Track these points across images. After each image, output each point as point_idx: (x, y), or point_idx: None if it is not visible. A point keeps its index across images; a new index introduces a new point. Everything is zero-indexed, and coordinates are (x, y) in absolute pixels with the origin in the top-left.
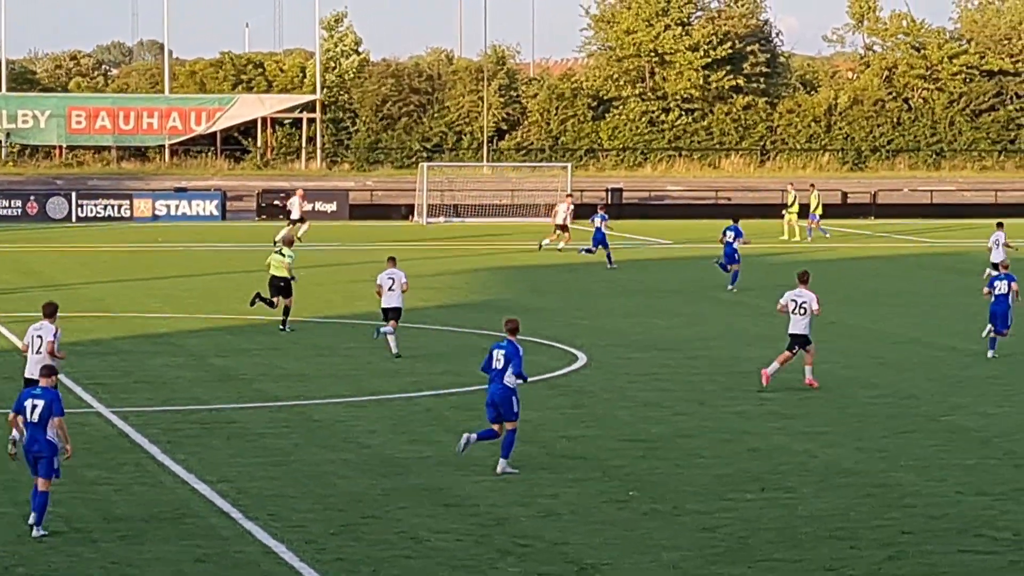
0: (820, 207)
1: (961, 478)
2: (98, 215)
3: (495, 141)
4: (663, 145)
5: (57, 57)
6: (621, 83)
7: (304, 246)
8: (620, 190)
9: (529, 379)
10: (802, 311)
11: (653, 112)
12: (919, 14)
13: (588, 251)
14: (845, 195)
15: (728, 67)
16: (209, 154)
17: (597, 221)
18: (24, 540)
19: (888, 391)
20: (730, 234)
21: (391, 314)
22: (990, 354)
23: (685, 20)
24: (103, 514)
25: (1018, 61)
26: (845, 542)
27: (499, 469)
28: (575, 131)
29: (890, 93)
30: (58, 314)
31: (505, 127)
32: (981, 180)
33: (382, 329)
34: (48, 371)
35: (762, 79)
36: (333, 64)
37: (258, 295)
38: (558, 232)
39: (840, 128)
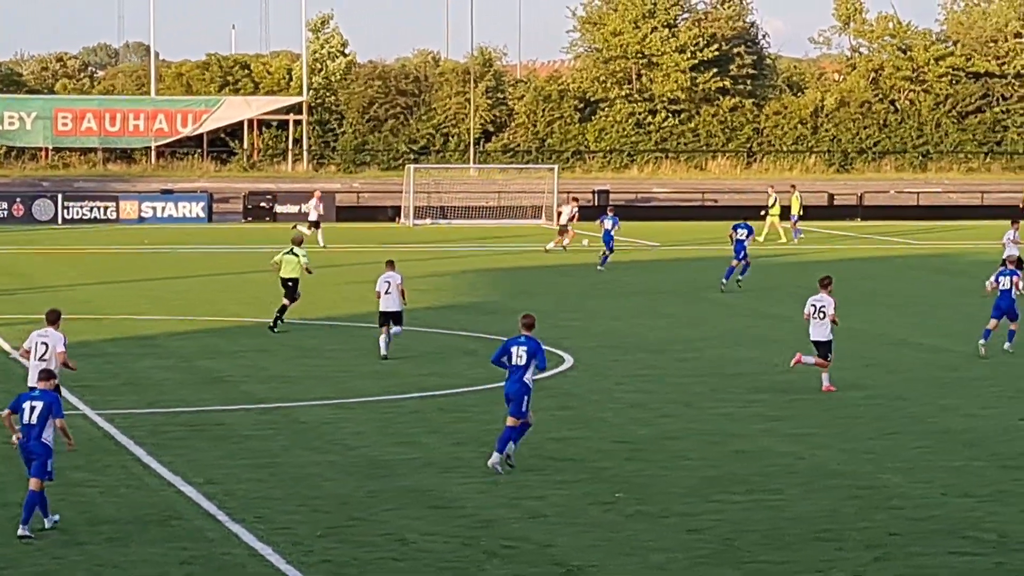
0: (800, 209)
1: (948, 480)
2: (84, 217)
3: (482, 143)
4: (650, 147)
5: (43, 59)
6: (608, 85)
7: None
8: (607, 192)
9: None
10: (821, 315)
11: (640, 114)
12: (905, 16)
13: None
14: (831, 197)
15: (715, 69)
16: (195, 156)
17: (608, 223)
18: (10, 542)
19: (875, 393)
20: (742, 232)
21: (391, 318)
22: (1006, 346)
23: (672, 22)
24: (89, 516)
25: (1004, 63)
26: (832, 544)
27: (489, 463)
28: (562, 133)
29: (876, 95)
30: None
31: (492, 129)
32: (967, 182)
33: (392, 332)
34: (47, 375)
35: (749, 81)
36: (319, 66)
37: (276, 317)
38: (561, 235)
39: (826, 130)
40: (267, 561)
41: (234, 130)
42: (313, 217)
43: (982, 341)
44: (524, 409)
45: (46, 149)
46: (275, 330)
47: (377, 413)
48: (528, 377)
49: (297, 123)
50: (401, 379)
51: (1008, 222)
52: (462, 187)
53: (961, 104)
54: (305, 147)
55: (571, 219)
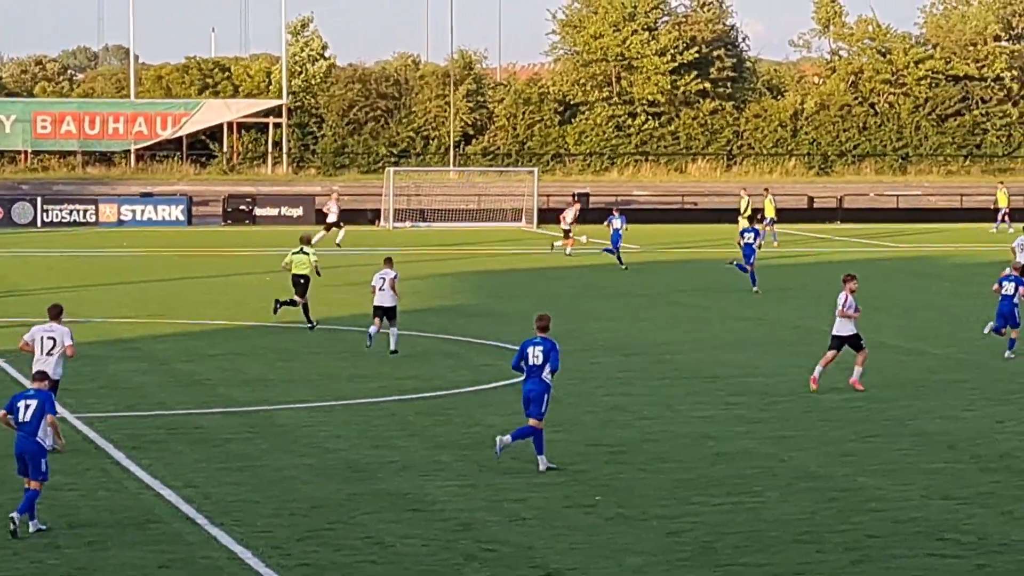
0: (774, 212)
1: (927, 482)
2: (63, 220)
3: (462, 146)
4: (630, 150)
5: (22, 62)
6: (588, 88)
7: (274, 249)
8: (587, 195)
9: (498, 384)
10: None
11: (620, 117)
12: (885, 19)
13: (609, 251)
14: (811, 200)
15: (695, 72)
16: (175, 159)
17: (616, 223)
18: None
19: (854, 395)
20: (749, 235)
21: (385, 312)
22: (1007, 355)
23: (652, 25)
24: (68, 520)
25: (983, 66)
26: (811, 546)
27: (541, 467)
28: (542, 136)
29: (856, 98)
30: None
31: (472, 132)
32: (947, 184)
33: (391, 332)
34: (41, 376)
35: (729, 84)
36: (299, 69)
37: (277, 301)
38: (567, 238)
39: (806, 133)
40: (246, 564)
41: (214, 133)
42: (332, 218)
43: (1007, 354)
44: (543, 409)
45: (25, 152)
46: (313, 327)
47: (356, 416)
48: (546, 376)
49: (277, 126)
50: (380, 382)
51: (1021, 226)
52: (442, 190)
53: (940, 107)
54: (285, 150)
55: (573, 220)
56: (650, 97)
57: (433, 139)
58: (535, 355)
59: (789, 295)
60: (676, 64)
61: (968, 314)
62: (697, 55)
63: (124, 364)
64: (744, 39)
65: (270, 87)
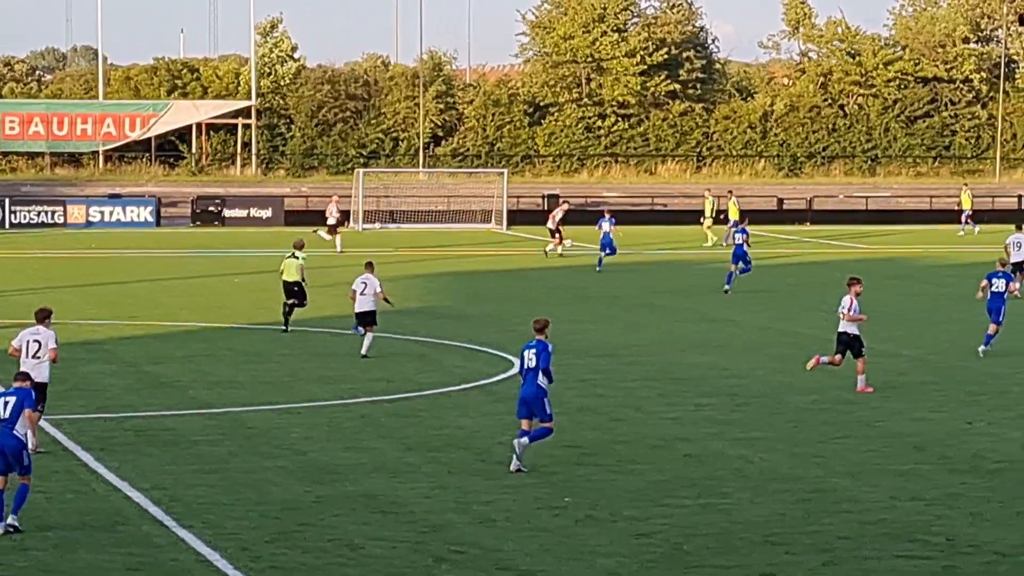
0: (738, 214)
1: (896, 484)
2: (32, 221)
3: (431, 147)
4: (599, 151)
5: None
6: (557, 89)
7: (240, 251)
8: (556, 196)
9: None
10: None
11: (589, 118)
12: (854, 21)
13: (610, 252)
14: (781, 201)
15: (664, 73)
16: (143, 160)
17: (606, 226)
18: None
19: (824, 397)
20: (739, 236)
21: (365, 319)
22: (981, 350)
23: (621, 27)
24: (35, 522)
25: (952, 68)
26: (781, 547)
27: (517, 451)
28: (511, 137)
29: (825, 99)
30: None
31: (441, 133)
32: (916, 186)
33: (358, 330)
34: (24, 377)
35: (698, 85)
36: (268, 70)
37: (286, 320)
38: (554, 237)
39: (776, 134)
40: (215, 567)
41: (182, 134)
42: (332, 221)
43: (982, 347)
44: (548, 412)
45: None
46: (287, 330)
47: (326, 418)
48: (541, 379)
49: (246, 127)
50: (350, 384)
51: (1014, 227)
52: (412, 191)
53: (909, 109)
54: (254, 151)
55: (562, 220)
56: (620, 98)
57: (402, 140)
58: (529, 358)
59: (758, 297)
60: (646, 66)
61: (938, 316)
62: (667, 57)
63: (92, 366)
64: (714, 41)
65: (239, 88)
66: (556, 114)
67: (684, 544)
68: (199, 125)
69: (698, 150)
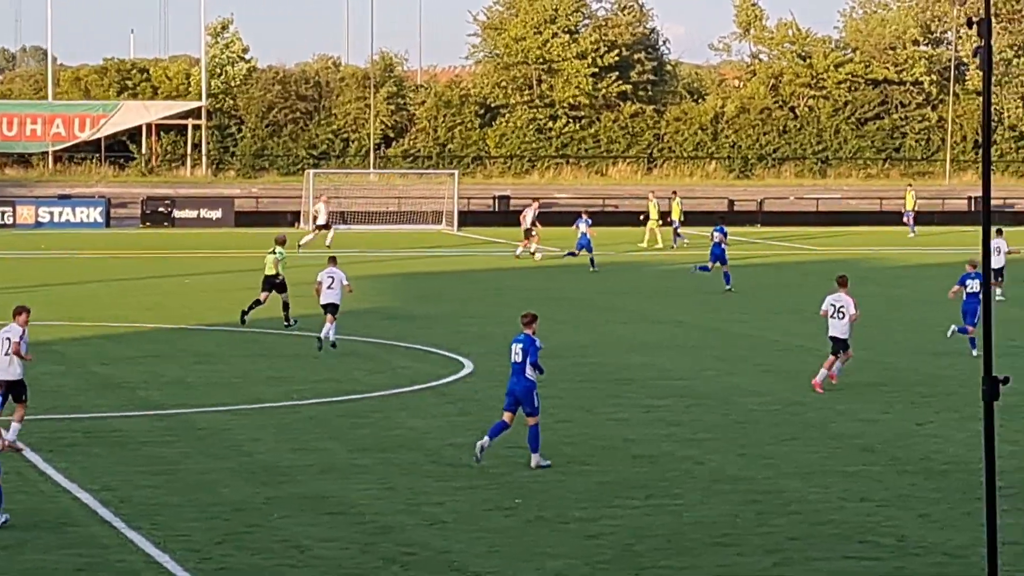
0: (681, 215)
1: (845, 485)
2: None
3: (382, 148)
4: (550, 152)
5: None
6: (509, 90)
7: (190, 252)
8: (507, 197)
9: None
10: (840, 315)
11: (540, 119)
12: (805, 23)
13: (572, 254)
14: (731, 203)
15: (615, 75)
16: (93, 161)
17: (583, 227)
18: None
19: (773, 398)
20: (718, 235)
21: (330, 309)
22: (975, 353)
23: (573, 28)
24: None
25: (902, 70)
26: (731, 548)
27: (533, 464)
28: (462, 138)
29: (776, 101)
30: (28, 315)
31: (392, 134)
32: (866, 188)
33: (326, 332)
34: None
35: (649, 87)
36: (219, 71)
37: (244, 313)
38: (528, 238)
39: (727, 136)
40: (163, 568)
41: (132, 135)
42: (321, 220)
43: (974, 352)
44: (535, 405)
45: None
46: (289, 324)
47: (275, 419)
48: (529, 373)
49: (196, 128)
50: (299, 385)
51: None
52: (362, 192)
53: (860, 111)
54: (204, 152)
55: (534, 220)
56: (571, 100)
57: (353, 141)
58: (516, 352)
59: (708, 298)
60: (597, 67)
61: (887, 317)
62: (618, 58)
63: (41, 367)
64: (665, 42)
65: (189, 89)
66: (507, 115)
67: (634, 545)
68: (149, 126)
69: (649, 151)
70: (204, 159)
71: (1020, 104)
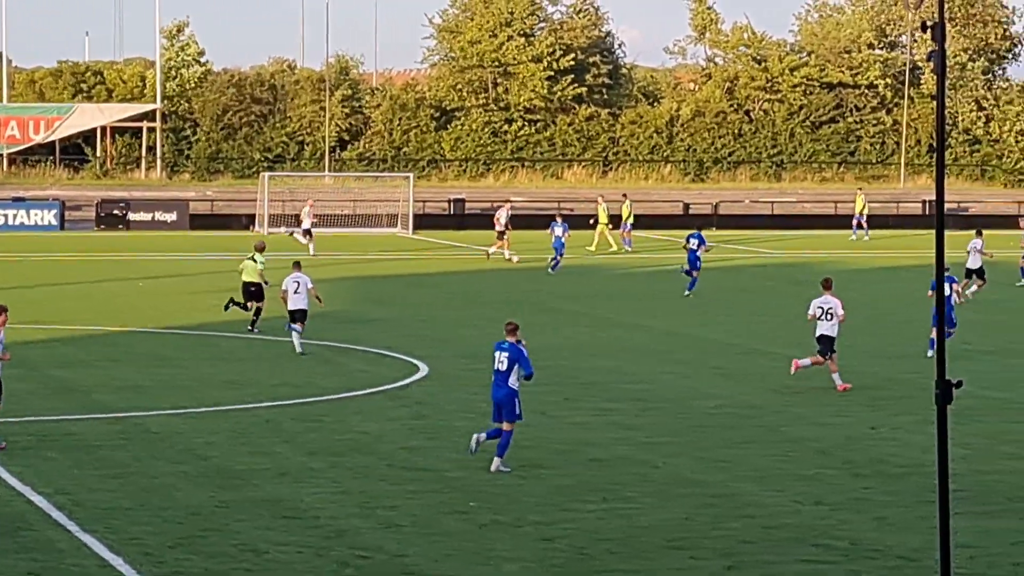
0: (631, 217)
1: (799, 488)
2: None
3: (337, 151)
4: (506, 155)
5: None
6: (464, 93)
7: (145, 255)
8: (462, 200)
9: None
10: (828, 316)
11: (496, 123)
12: (760, 27)
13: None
14: (687, 206)
15: (571, 78)
16: (48, 163)
17: (558, 230)
18: None
19: (728, 401)
20: (694, 241)
21: (298, 315)
22: (929, 353)
23: (528, 31)
24: None
25: (857, 74)
26: (685, 551)
27: (493, 467)
28: (418, 141)
29: (731, 105)
30: (6, 315)
31: (347, 137)
32: (821, 191)
33: (293, 327)
34: None
35: (605, 90)
36: (174, 73)
37: (232, 300)
38: (501, 239)
39: (682, 139)
40: (118, 572)
41: (87, 137)
42: (306, 225)
43: (929, 352)
44: (517, 412)
45: None
46: (253, 330)
47: (229, 423)
48: (512, 382)
49: (151, 130)
50: (254, 388)
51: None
52: (317, 195)
53: (815, 114)
54: (159, 155)
55: (507, 222)
56: (526, 103)
57: (308, 144)
58: (500, 360)
59: (664, 302)
60: (552, 71)
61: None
62: (573, 62)
63: None
64: (620, 45)
65: (145, 92)
66: (463, 118)
67: (589, 549)
68: (104, 128)
69: (604, 155)
70: (159, 162)
71: (974, 108)
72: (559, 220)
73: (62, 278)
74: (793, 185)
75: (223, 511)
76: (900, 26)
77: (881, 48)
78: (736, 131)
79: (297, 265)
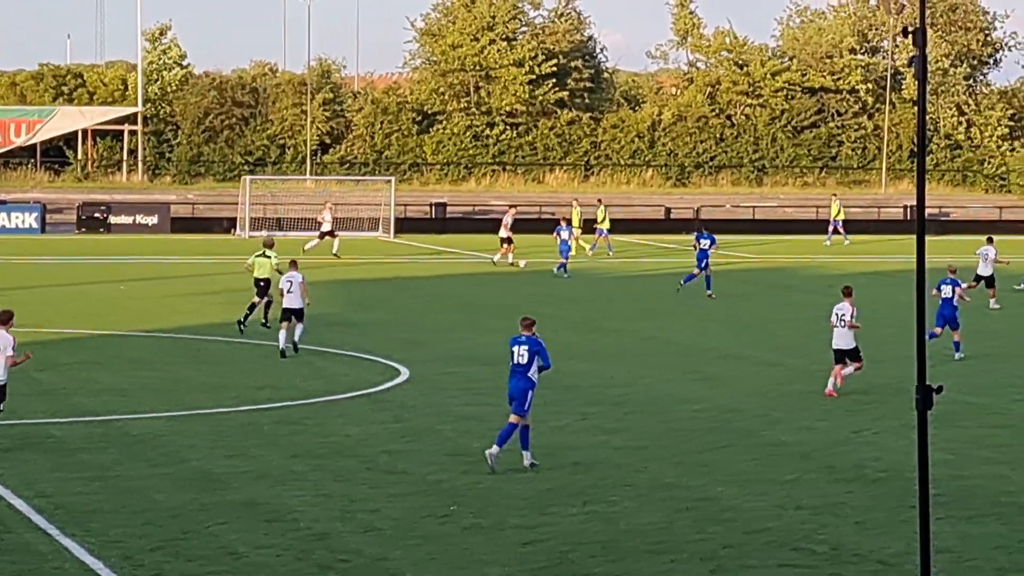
0: (607, 221)
1: (781, 492)
2: None
3: (319, 155)
4: (487, 160)
5: None
6: (446, 97)
7: (126, 258)
8: (444, 204)
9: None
10: (842, 323)
11: (478, 127)
12: (742, 31)
13: (563, 267)
14: (668, 211)
15: (553, 82)
16: (28, 166)
17: (564, 234)
18: None
19: (709, 405)
20: (705, 242)
21: (293, 314)
22: (957, 356)
23: (510, 35)
24: None
25: (839, 79)
26: (666, 556)
27: (525, 463)
28: (399, 145)
29: (713, 109)
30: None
31: (329, 141)
32: (802, 196)
33: (296, 330)
34: None
35: (586, 94)
36: (156, 76)
37: (240, 321)
38: (505, 245)
39: (664, 144)
40: (98, 575)
41: (68, 140)
42: (327, 227)
43: (957, 356)
44: (526, 407)
45: None
46: (243, 327)
47: (210, 426)
48: (532, 374)
49: (132, 133)
50: (234, 391)
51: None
52: (299, 199)
53: (796, 119)
54: (140, 158)
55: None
56: (508, 107)
57: (289, 147)
58: (520, 353)
59: (644, 305)
60: (534, 75)
61: (822, 325)
62: (555, 66)
63: None
64: (602, 50)
65: (126, 95)
66: (444, 122)
67: (570, 552)
68: (85, 131)
69: (586, 159)
70: (140, 165)
71: (955, 113)
72: (563, 224)
73: (43, 281)
74: (774, 190)
75: (204, 514)
76: (882, 31)
77: (863, 53)
78: (718, 136)
79: (293, 264)
